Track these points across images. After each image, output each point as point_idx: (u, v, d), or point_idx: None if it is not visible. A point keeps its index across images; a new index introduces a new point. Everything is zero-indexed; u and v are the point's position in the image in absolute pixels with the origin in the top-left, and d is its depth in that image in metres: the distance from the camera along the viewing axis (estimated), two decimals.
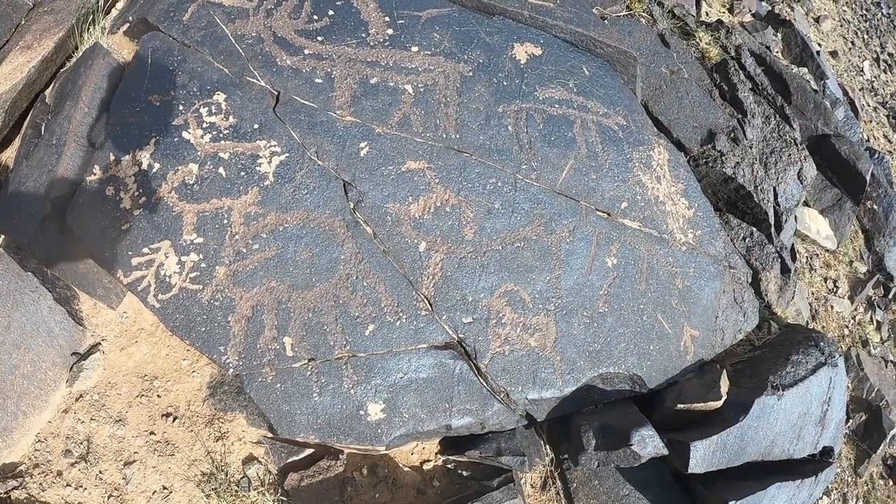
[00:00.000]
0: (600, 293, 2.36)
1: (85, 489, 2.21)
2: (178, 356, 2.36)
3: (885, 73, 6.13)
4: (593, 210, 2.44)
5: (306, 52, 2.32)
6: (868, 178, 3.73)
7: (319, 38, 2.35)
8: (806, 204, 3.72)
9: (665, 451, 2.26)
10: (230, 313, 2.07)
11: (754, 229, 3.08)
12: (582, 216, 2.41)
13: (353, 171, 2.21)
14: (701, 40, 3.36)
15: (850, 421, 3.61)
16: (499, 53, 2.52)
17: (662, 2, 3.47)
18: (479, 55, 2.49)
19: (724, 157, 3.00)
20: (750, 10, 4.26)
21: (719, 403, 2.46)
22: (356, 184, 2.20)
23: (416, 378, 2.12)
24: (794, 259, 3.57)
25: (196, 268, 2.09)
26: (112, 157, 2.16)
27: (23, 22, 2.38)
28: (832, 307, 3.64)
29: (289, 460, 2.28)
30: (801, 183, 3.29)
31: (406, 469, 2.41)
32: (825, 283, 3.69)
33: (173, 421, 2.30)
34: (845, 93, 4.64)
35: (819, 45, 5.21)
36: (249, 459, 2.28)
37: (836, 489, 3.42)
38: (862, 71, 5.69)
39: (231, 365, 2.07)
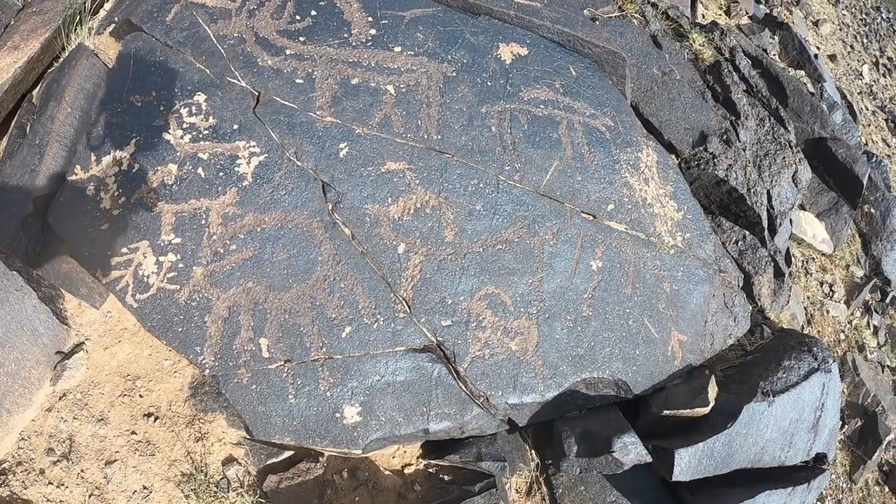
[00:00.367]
0: (584, 297, 2.23)
1: (67, 488, 2.13)
2: (161, 356, 2.27)
3: (885, 77, 5.87)
4: (578, 212, 2.31)
5: (288, 52, 2.22)
6: (865, 181, 3.53)
7: (301, 39, 2.25)
8: (802, 207, 3.54)
9: (648, 459, 2.12)
10: (207, 314, 1.98)
11: (747, 233, 2.91)
12: (566, 218, 2.27)
13: (332, 171, 2.10)
14: (694, 42, 3.19)
15: (846, 426, 3.42)
16: (483, 54, 2.40)
17: (656, 3, 3.32)
18: (463, 55, 2.36)
19: (716, 160, 2.84)
20: (747, 13, 4.08)
21: (707, 410, 2.30)
22: (335, 185, 2.09)
23: (394, 381, 2.01)
24: (789, 263, 3.39)
25: (174, 268, 2.00)
26: (93, 157, 2.08)
27: (12, 22, 2.31)
28: (828, 311, 3.45)
29: (268, 462, 2.18)
30: (796, 186, 3.11)
31: (387, 472, 2.29)
32: (821, 287, 3.50)
33: (154, 421, 2.21)
34: (844, 96, 4.43)
35: (818, 48, 4.99)
36: (229, 460, 2.19)
37: (831, 496, 3.24)
38: (861, 75, 5.45)
39: (207, 365, 1.97)
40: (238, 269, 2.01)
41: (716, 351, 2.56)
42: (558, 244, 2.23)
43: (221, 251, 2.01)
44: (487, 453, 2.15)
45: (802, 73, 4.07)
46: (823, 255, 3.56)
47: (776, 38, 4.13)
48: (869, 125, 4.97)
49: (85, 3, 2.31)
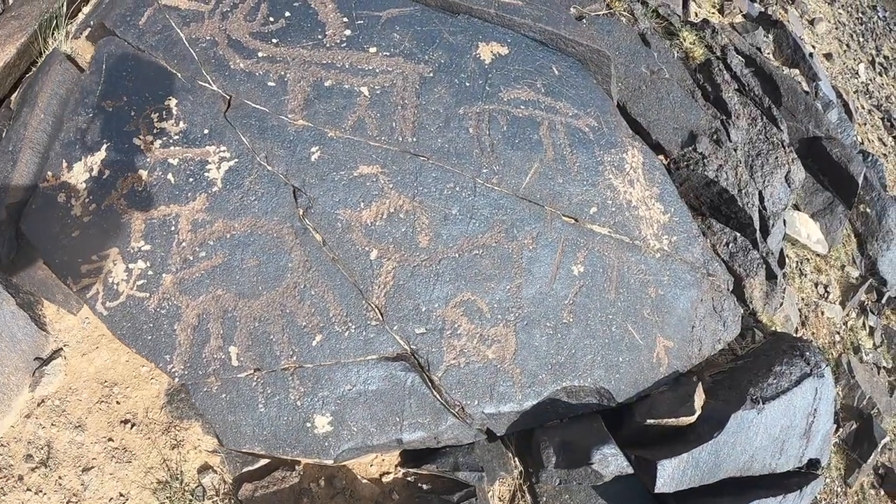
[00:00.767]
0: (565, 303, 2.07)
1: (45, 494, 2.04)
2: (138, 362, 2.16)
3: (881, 76, 5.56)
4: (559, 216, 2.14)
5: (260, 54, 2.09)
6: (860, 181, 3.30)
7: (274, 41, 2.11)
8: (796, 208, 3.32)
9: (630, 471, 1.96)
10: (176, 321, 1.86)
11: (738, 234, 2.72)
12: (546, 222, 2.11)
13: (302, 176, 1.97)
14: (685, 40, 2.99)
15: (841, 430, 3.21)
16: (462, 53, 2.24)
17: (646, 1, 3.12)
18: (440, 55, 2.21)
19: (706, 160, 2.65)
20: (741, 11, 3.85)
21: (692, 418, 2.13)
22: (306, 189, 1.96)
23: (365, 390, 1.88)
24: (782, 264, 3.19)
25: (143, 275, 1.88)
26: (65, 164, 1.98)
27: None
28: (823, 313, 3.24)
29: (244, 470, 2.07)
30: (789, 186, 2.91)
31: (364, 481, 2.16)
32: (816, 288, 3.29)
33: (131, 428, 2.11)
34: (839, 95, 4.17)
35: (813, 47, 4.71)
36: (205, 468, 2.07)
37: (826, 500, 3.04)
38: (857, 74, 5.15)
39: (177, 374, 1.86)
40: (207, 276, 1.89)
41: (704, 357, 2.38)
42: (538, 249, 2.07)
43: (191, 258, 1.89)
44: (465, 463, 2.01)
45: (797, 71, 3.83)
46: (818, 255, 3.34)
47: (770, 36, 3.89)
48: (865, 124, 4.70)
49: (62, 7, 2.20)
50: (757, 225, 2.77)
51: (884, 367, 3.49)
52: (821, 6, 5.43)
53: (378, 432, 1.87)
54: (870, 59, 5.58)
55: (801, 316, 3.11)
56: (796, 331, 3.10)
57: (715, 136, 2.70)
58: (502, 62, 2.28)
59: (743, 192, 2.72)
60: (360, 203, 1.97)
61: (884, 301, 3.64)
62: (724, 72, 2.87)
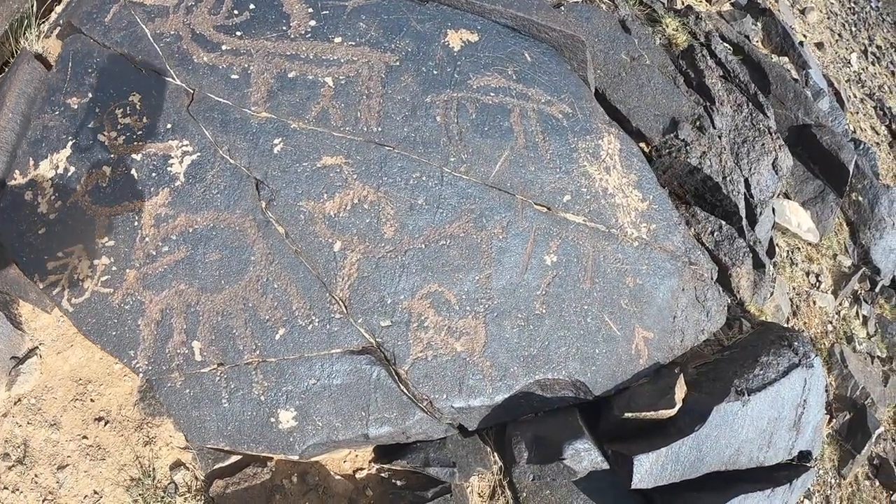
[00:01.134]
0: (537, 293, 1.94)
1: (21, 492, 1.98)
2: (111, 360, 2.09)
3: (874, 65, 5.28)
4: (531, 204, 2.02)
5: (224, 48, 2.00)
6: (851, 168, 3.09)
7: (238, 34, 2.03)
8: (786, 196, 3.13)
9: (605, 466, 1.83)
10: (140, 317, 1.79)
11: (723, 223, 2.55)
12: (517, 211, 1.99)
13: (265, 168, 1.87)
14: (668, 26, 2.83)
15: (834, 420, 3.02)
16: (430, 41, 2.12)
17: None
18: (407, 44, 2.10)
19: (688, 147, 2.49)
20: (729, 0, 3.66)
21: (673, 412, 1.99)
22: (268, 182, 1.86)
23: (330, 384, 1.78)
24: (772, 253, 3.00)
25: (107, 271, 1.81)
26: (32, 162, 1.91)
27: None
28: (815, 302, 3.05)
29: (215, 466, 1.98)
30: (777, 173, 2.73)
31: (338, 477, 2.07)
32: (807, 277, 3.09)
33: (105, 425, 2.04)
34: (830, 84, 3.95)
35: (804, 36, 4.47)
36: (177, 465, 1.99)
37: (819, 492, 2.86)
38: (849, 63, 4.89)
39: (141, 369, 1.78)
40: (170, 271, 1.80)
41: (687, 348, 2.23)
42: (508, 238, 1.95)
43: (154, 253, 1.81)
44: (436, 458, 1.90)
45: (786, 59, 3.62)
46: (809, 244, 3.15)
47: (759, 24, 3.69)
48: (857, 112, 4.45)
49: (32, 6, 2.14)
50: (743, 213, 2.60)
51: (878, 357, 3.28)
52: None
53: (343, 427, 1.77)
54: (862, 48, 5.30)
55: (792, 306, 2.93)
56: (787, 321, 2.92)
57: (698, 123, 2.54)
58: (472, 49, 2.15)
59: (728, 179, 2.55)
60: (324, 194, 1.87)
61: (877, 290, 3.42)
62: (708, 58, 2.70)
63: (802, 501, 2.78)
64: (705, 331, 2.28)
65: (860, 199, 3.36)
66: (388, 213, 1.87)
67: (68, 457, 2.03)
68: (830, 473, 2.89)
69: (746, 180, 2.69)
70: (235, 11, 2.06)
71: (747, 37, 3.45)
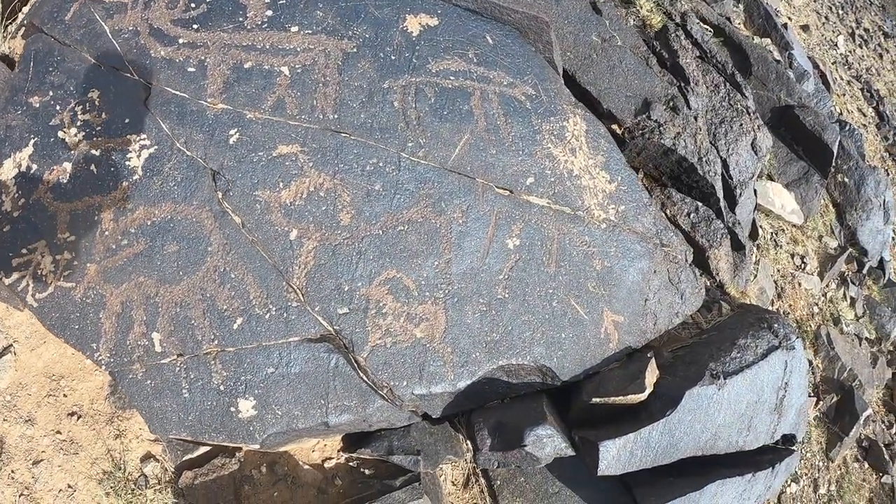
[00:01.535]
0: (499, 278, 1.89)
1: None
2: (82, 355, 2.11)
3: (861, 48, 5.09)
4: (492, 188, 1.97)
5: (181, 41, 1.98)
6: (835, 149, 2.97)
7: (195, 26, 2.01)
8: (770, 178, 3.02)
9: (570, 453, 1.77)
10: (101, 310, 1.78)
11: (700, 204, 2.47)
12: (478, 195, 1.94)
13: (221, 159, 1.85)
14: (642, 7, 2.74)
15: (821, 403, 2.91)
16: (388, 27, 2.08)
17: None
18: (365, 30, 2.06)
19: (662, 128, 2.41)
20: None
21: (643, 396, 1.92)
22: (224, 172, 1.84)
23: (288, 373, 1.75)
24: (755, 235, 2.90)
25: (69, 266, 1.81)
26: None
27: None
28: (800, 284, 2.94)
29: (185, 458, 1.97)
30: (756, 154, 2.62)
31: (307, 467, 2.04)
32: (792, 259, 2.98)
33: (78, 420, 2.04)
34: (816, 66, 3.81)
35: (789, 18, 4.32)
36: (147, 457, 1.99)
37: (807, 474, 2.75)
38: (836, 45, 4.72)
39: (103, 362, 1.78)
40: (130, 263, 1.80)
41: (660, 331, 2.16)
42: (468, 222, 1.90)
43: (113, 247, 1.81)
44: (399, 446, 1.86)
45: (769, 41, 3.50)
46: (794, 226, 3.03)
47: (741, 6, 3.57)
48: (844, 95, 4.29)
49: None
50: (721, 194, 2.51)
51: (866, 338, 3.15)
52: None
53: (303, 416, 1.75)
54: (849, 31, 5.12)
55: (777, 288, 2.83)
56: (772, 303, 2.82)
57: (671, 104, 2.46)
58: (431, 34, 2.11)
59: (704, 160, 2.47)
60: (280, 183, 1.84)
61: (865, 271, 3.29)
62: (683, 38, 2.61)
63: (789, 484, 2.68)
64: (680, 314, 2.20)
65: (846, 180, 3.24)
66: (344, 200, 1.84)
67: (43, 452, 2.04)
68: (818, 456, 2.78)
69: (724, 161, 2.60)
70: (192, 5, 2.05)
71: (728, 18, 3.33)
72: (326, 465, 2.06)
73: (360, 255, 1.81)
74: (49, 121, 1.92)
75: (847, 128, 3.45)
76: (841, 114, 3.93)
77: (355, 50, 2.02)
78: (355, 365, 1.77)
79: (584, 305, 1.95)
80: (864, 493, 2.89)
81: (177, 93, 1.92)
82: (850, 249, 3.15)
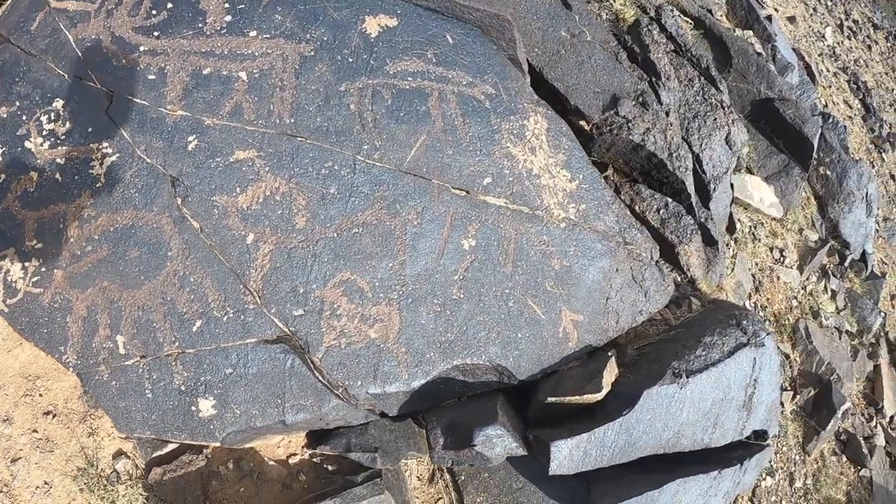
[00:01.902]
0: (454, 279, 1.92)
1: None
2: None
3: (849, 39, 4.94)
4: (448, 188, 1.98)
5: (142, 49, 2.03)
6: (816, 142, 2.92)
7: (156, 34, 2.05)
8: (749, 171, 2.98)
9: (521, 452, 1.80)
10: (68, 314, 1.86)
11: (670, 200, 2.45)
12: (433, 196, 1.96)
13: (180, 166, 1.90)
14: (615, 1, 2.71)
15: (798, 397, 2.89)
16: (346, 29, 2.10)
17: None
18: (323, 33, 2.08)
19: (630, 124, 2.39)
20: None
21: (599, 396, 1.94)
22: (183, 179, 1.89)
23: (246, 373, 1.81)
24: (732, 229, 2.88)
25: (37, 272, 1.88)
26: None
27: None
28: (779, 278, 2.90)
29: (154, 455, 2.05)
30: (730, 148, 2.59)
31: (272, 463, 2.11)
32: (771, 252, 2.95)
33: (53, 418, 2.13)
34: (801, 58, 3.72)
35: (776, 10, 4.21)
36: (119, 454, 2.07)
37: (783, 468, 2.74)
38: (823, 37, 4.59)
39: (71, 364, 1.85)
40: (94, 269, 1.86)
41: (623, 329, 2.17)
42: (423, 224, 1.93)
43: (78, 253, 1.87)
44: (357, 444, 1.91)
45: (751, 33, 3.43)
46: (773, 219, 3.00)
47: None
48: (829, 87, 4.19)
49: None
50: (692, 189, 2.49)
51: (846, 331, 3.11)
52: None
53: (261, 414, 1.81)
54: (838, 22, 4.97)
55: (754, 282, 2.80)
56: (749, 297, 2.80)
57: (641, 99, 2.44)
58: (390, 34, 2.12)
59: (674, 155, 2.45)
60: (237, 188, 1.89)
61: (846, 264, 3.24)
62: (655, 33, 2.57)
63: (764, 478, 2.68)
64: (644, 311, 2.21)
65: (828, 172, 3.18)
66: (299, 203, 1.88)
67: (20, 450, 2.13)
68: (795, 450, 2.77)
69: (697, 156, 2.57)
70: (154, 12, 2.09)
71: (710, 10, 3.27)
72: (291, 461, 2.12)
73: (314, 257, 1.85)
74: (16, 131, 1.98)
75: (830, 120, 3.38)
76: (826, 106, 3.85)
77: (313, 53, 2.04)
78: (311, 365, 1.82)
79: (541, 305, 1.97)
80: (842, 487, 2.88)
81: (137, 101, 1.97)
82: (832, 242, 3.11)
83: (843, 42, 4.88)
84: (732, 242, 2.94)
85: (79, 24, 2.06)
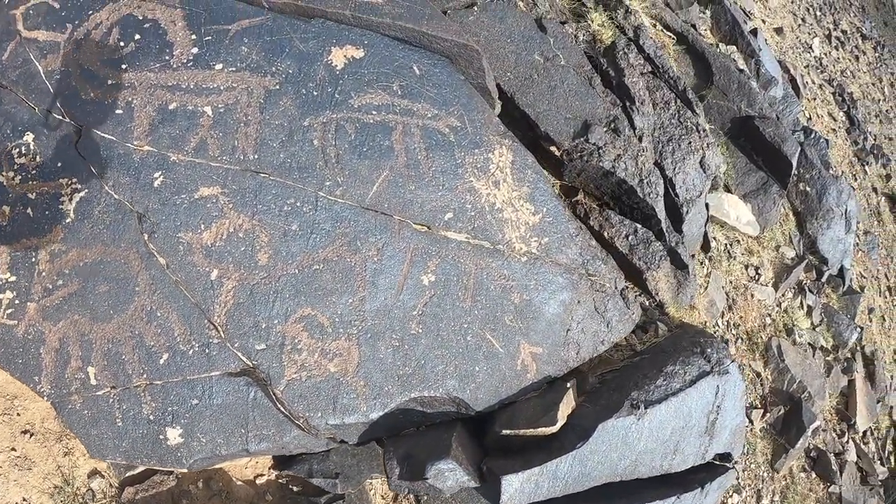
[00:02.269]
0: (413, 314, 2.00)
1: None
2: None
3: (837, 50, 4.87)
4: (409, 224, 2.05)
5: (109, 82, 2.09)
6: (795, 161, 2.93)
7: (123, 66, 2.11)
8: (727, 189, 3.00)
9: (473, 485, 1.90)
10: (41, 346, 1.96)
11: (639, 226, 2.50)
12: (394, 232, 2.03)
13: (146, 202, 1.98)
14: (593, 21, 2.72)
15: (768, 414, 2.97)
16: (312, 61, 2.14)
17: None
18: (289, 66, 2.12)
19: (601, 151, 2.43)
20: None
21: (554, 429, 2.02)
22: (149, 215, 1.97)
23: (211, 404, 1.91)
24: (707, 247, 2.93)
25: (11, 304, 1.98)
26: None
27: None
28: (753, 295, 2.95)
29: (127, 474, 2.18)
30: (705, 172, 2.62)
31: (240, 483, 2.23)
32: (746, 270, 2.99)
33: (30, 437, 2.26)
34: (787, 70, 3.69)
35: (763, 21, 4.15)
36: (94, 473, 2.20)
37: (750, 485, 2.83)
38: (810, 48, 4.53)
39: (45, 393, 1.96)
40: (65, 302, 1.96)
41: (584, 359, 2.24)
42: (383, 260, 2.00)
43: (50, 287, 1.97)
44: (318, 470, 2.02)
45: (734, 48, 3.40)
46: (750, 237, 3.04)
47: (707, 12, 3.46)
48: (814, 99, 4.15)
49: None
50: (662, 215, 2.53)
51: (821, 347, 3.17)
52: None
53: (225, 443, 1.91)
54: (826, 33, 4.90)
55: (728, 300, 2.86)
56: (722, 315, 2.86)
57: (613, 125, 2.46)
58: (356, 66, 2.16)
59: (645, 181, 2.49)
60: (201, 225, 1.97)
61: (824, 279, 3.28)
62: (630, 56, 2.58)
63: (731, 495, 2.77)
64: (606, 341, 2.28)
65: (808, 189, 3.20)
66: (262, 240, 1.96)
67: (0, 468, 2.29)
68: (763, 468, 2.86)
69: (671, 179, 2.61)
70: (121, 44, 2.14)
71: (694, 25, 3.24)
72: (258, 481, 2.25)
73: (276, 293, 1.93)
74: None
75: (812, 136, 3.38)
76: (810, 118, 3.83)
77: (278, 87, 2.09)
78: (273, 397, 1.92)
79: (499, 339, 2.05)
80: (810, 503, 2.98)
81: (105, 135, 2.04)
82: (810, 258, 3.15)
83: (830, 53, 4.83)
84: (707, 261, 2.99)
85: (48, 54, 2.12)
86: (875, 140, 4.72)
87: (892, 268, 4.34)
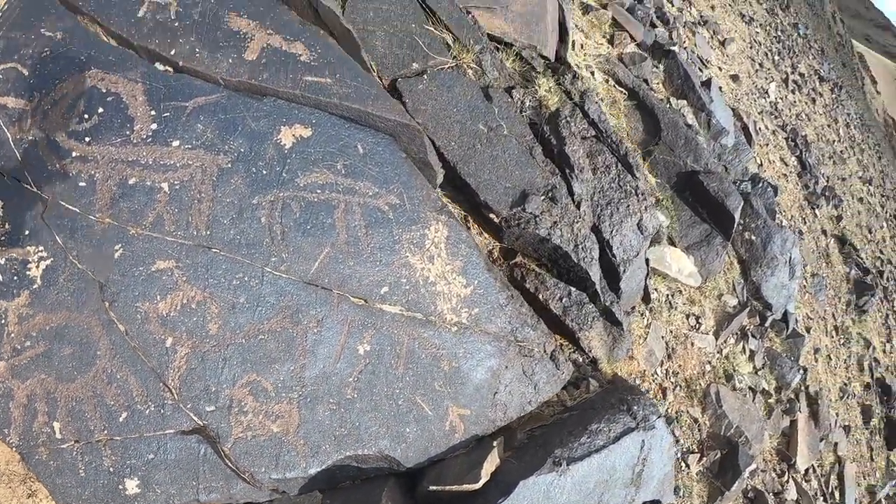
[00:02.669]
0: (349, 380, 2.27)
1: None
2: None
3: (794, 93, 5.06)
4: (347, 298, 2.31)
5: (74, 154, 2.32)
6: (737, 215, 3.17)
7: (87, 139, 2.34)
8: (671, 242, 3.26)
9: None
10: (10, 401, 2.23)
11: (573, 289, 2.76)
12: (333, 305, 2.29)
13: (107, 273, 2.23)
14: (540, 87, 2.93)
15: (705, 458, 3.28)
16: (263, 140, 2.37)
17: (511, 43, 3.05)
18: (241, 144, 2.36)
19: (538, 219, 2.67)
20: (634, 40, 3.60)
21: (477, 486, 2.31)
22: (110, 285, 2.23)
23: (166, 459, 2.19)
24: (648, 299, 3.20)
25: None
26: None
27: None
28: (693, 344, 3.23)
29: None
30: (642, 233, 2.87)
31: None
32: (687, 319, 3.27)
33: None
34: (739, 118, 3.90)
35: (720, 68, 4.35)
36: None
37: None
38: (766, 93, 4.72)
39: (13, 444, 2.24)
40: (33, 363, 2.22)
41: (511, 418, 2.52)
42: (322, 331, 2.26)
43: (18, 347, 2.23)
44: None
45: (685, 102, 3.62)
46: (692, 287, 3.31)
47: (661, 66, 3.66)
48: (766, 145, 4.37)
49: None
50: (597, 278, 2.79)
51: (762, 391, 3.46)
52: (737, 25, 4.96)
53: (178, 494, 2.20)
54: (784, 77, 5.08)
55: (667, 349, 3.13)
56: (661, 363, 3.14)
57: (550, 194, 2.71)
58: (303, 145, 2.39)
59: (580, 247, 2.74)
60: (158, 296, 2.22)
61: (767, 324, 3.56)
62: (573, 123, 2.80)
63: None
64: (533, 402, 2.56)
65: (753, 237, 3.45)
66: (213, 311, 2.22)
67: None
68: None
69: (608, 242, 2.86)
70: (86, 115, 2.36)
71: (646, 80, 3.46)
72: None
73: (225, 360, 2.20)
74: None
75: (759, 185, 3.62)
76: (761, 165, 4.06)
77: (230, 165, 2.33)
78: (221, 454, 2.20)
79: (429, 403, 2.33)
80: None
81: (69, 207, 2.28)
82: (754, 303, 3.42)
83: (786, 97, 5.04)
84: (648, 312, 3.26)
85: (17, 122, 2.34)
86: (828, 181, 4.96)
87: (839, 307, 4.63)
